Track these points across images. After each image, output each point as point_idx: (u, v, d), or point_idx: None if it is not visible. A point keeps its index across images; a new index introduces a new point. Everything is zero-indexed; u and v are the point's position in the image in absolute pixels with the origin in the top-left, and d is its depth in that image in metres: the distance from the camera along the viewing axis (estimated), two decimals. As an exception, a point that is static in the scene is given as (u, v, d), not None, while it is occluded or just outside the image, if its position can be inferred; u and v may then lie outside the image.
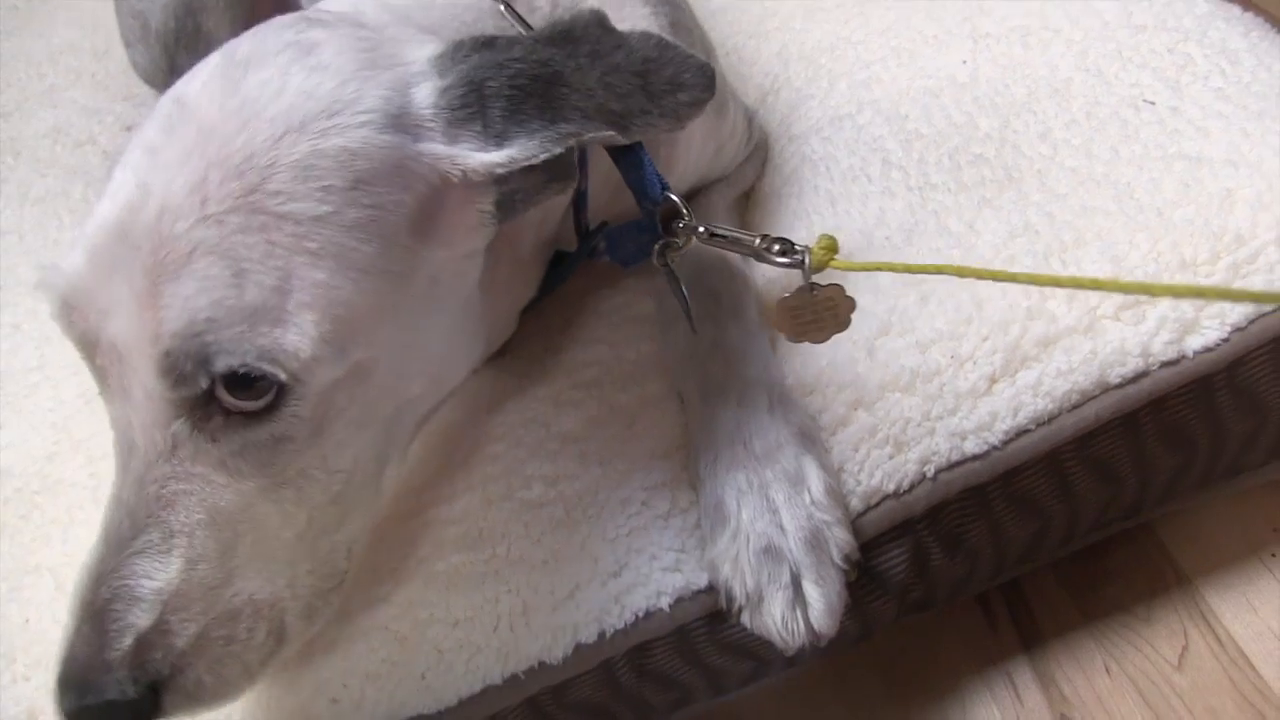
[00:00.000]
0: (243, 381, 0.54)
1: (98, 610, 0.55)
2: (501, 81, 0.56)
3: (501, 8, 0.70)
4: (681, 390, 0.78)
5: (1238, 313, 0.68)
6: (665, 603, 0.69)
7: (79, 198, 1.23)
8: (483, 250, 0.64)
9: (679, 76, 0.61)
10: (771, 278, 0.84)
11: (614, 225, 0.75)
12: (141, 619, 0.55)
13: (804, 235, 0.87)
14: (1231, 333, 0.68)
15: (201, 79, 0.58)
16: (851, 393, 0.73)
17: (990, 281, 0.56)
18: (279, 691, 0.70)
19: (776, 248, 0.64)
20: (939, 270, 0.58)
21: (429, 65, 0.59)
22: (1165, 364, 0.69)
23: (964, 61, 0.95)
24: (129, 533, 0.56)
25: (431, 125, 0.57)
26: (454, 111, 0.57)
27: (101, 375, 0.58)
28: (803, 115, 1.02)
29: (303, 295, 0.53)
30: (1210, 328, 0.69)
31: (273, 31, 0.60)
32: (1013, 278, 0.54)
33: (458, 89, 0.57)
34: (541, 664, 0.69)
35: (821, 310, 0.66)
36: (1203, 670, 0.81)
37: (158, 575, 0.55)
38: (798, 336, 0.68)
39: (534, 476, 0.75)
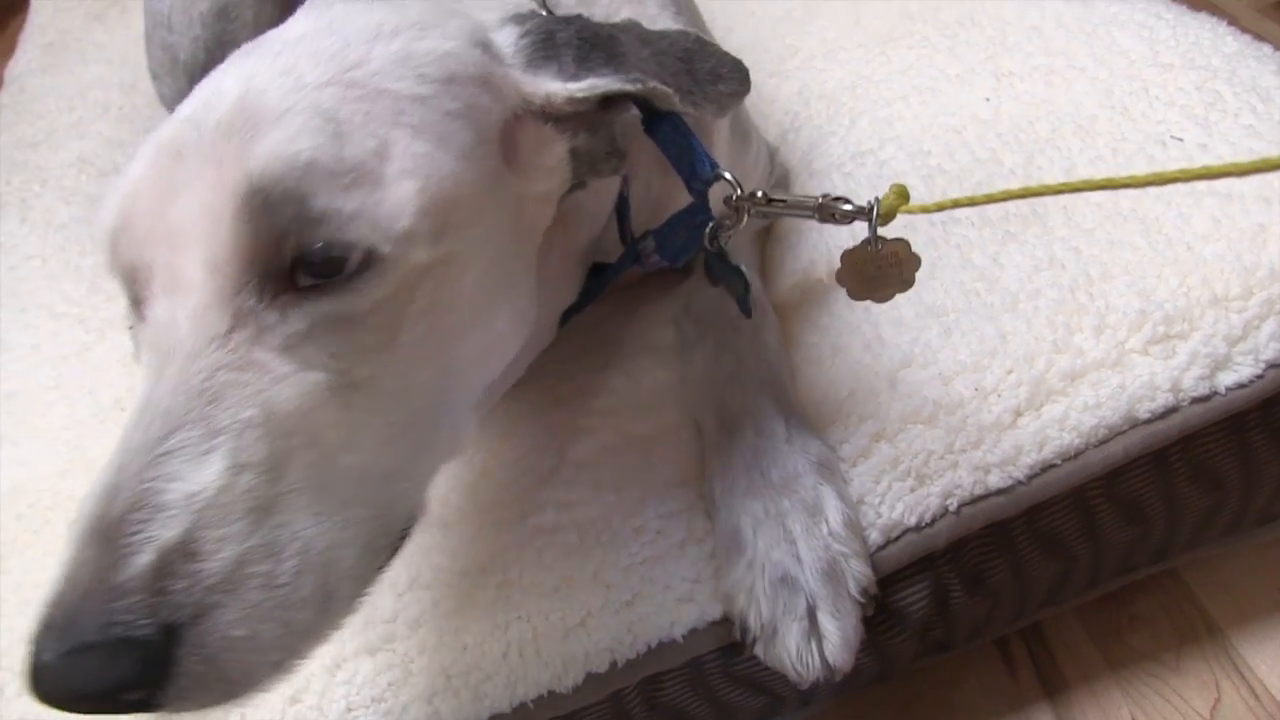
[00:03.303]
0: (326, 259, 0.49)
1: (109, 525, 0.44)
2: (569, 34, 0.59)
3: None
4: (699, 418, 0.76)
5: (1273, 349, 0.67)
6: (679, 633, 0.67)
7: (102, 226, 1.25)
8: (554, 205, 0.64)
9: (718, 69, 0.64)
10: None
11: (660, 225, 0.73)
12: (166, 530, 0.44)
13: (824, 268, 0.87)
14: (1266, 369, 0.67)
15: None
16: (873, 424, 0.72)
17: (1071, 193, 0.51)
18: (279, 712, 0.68)
19: (840, 204, 0.63)
20: (1017, 195, 0.55)
21: (501, 20, 0.62)
22: (1196, 400, 0.67)
23: (987, 99, 0.95)
24: (159, 433, 0.46)
25: (513, 62, 0.60)
26: (533, 51, 0.60)
27: (144, 280, 0.52)
28: (824, 152, 1.02)
29: (404, 163, 0.52)
30: (1244, 363, 0.67)
31: None
32: (1096, 185, 0.51)
33: (534, 35, 0.60)
34: (551, 693, 0.67)
35: (886, 266, 0.65)
36: (1237, 724, 0.79)
37: (191, 477, 0.45)
38: (860, 293, 0.67)
39: (547, 502, 0.74)
